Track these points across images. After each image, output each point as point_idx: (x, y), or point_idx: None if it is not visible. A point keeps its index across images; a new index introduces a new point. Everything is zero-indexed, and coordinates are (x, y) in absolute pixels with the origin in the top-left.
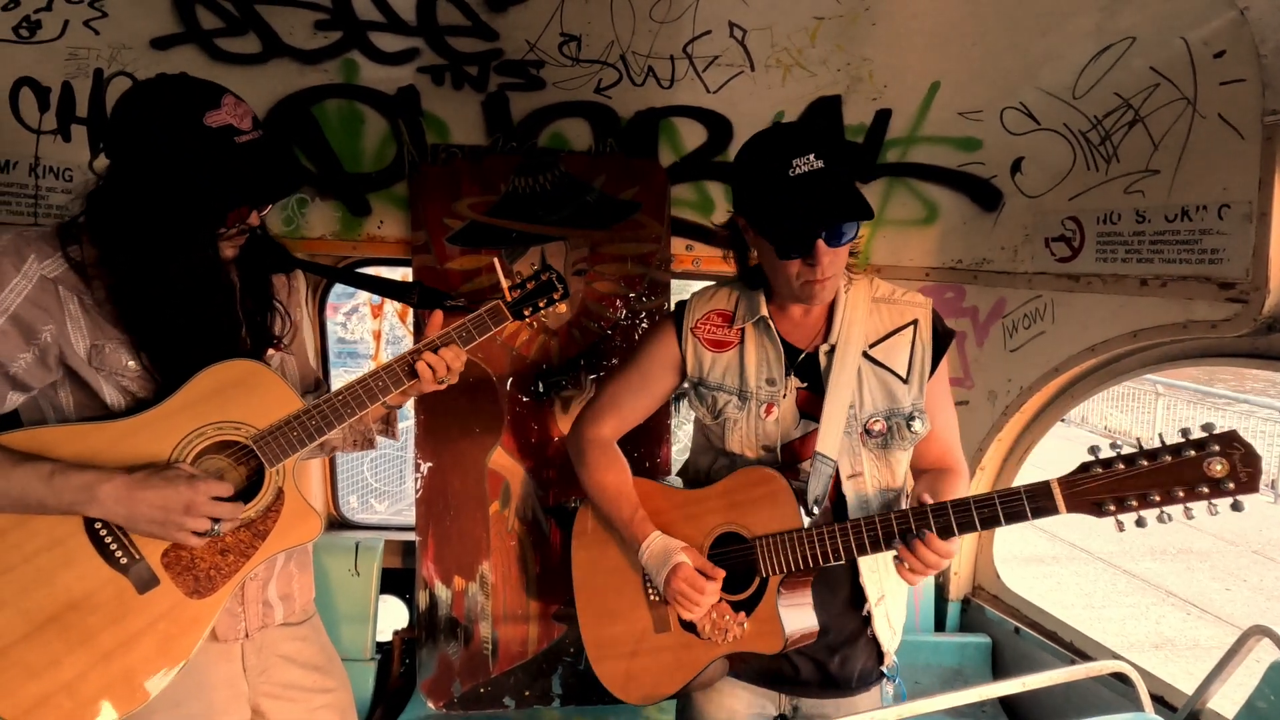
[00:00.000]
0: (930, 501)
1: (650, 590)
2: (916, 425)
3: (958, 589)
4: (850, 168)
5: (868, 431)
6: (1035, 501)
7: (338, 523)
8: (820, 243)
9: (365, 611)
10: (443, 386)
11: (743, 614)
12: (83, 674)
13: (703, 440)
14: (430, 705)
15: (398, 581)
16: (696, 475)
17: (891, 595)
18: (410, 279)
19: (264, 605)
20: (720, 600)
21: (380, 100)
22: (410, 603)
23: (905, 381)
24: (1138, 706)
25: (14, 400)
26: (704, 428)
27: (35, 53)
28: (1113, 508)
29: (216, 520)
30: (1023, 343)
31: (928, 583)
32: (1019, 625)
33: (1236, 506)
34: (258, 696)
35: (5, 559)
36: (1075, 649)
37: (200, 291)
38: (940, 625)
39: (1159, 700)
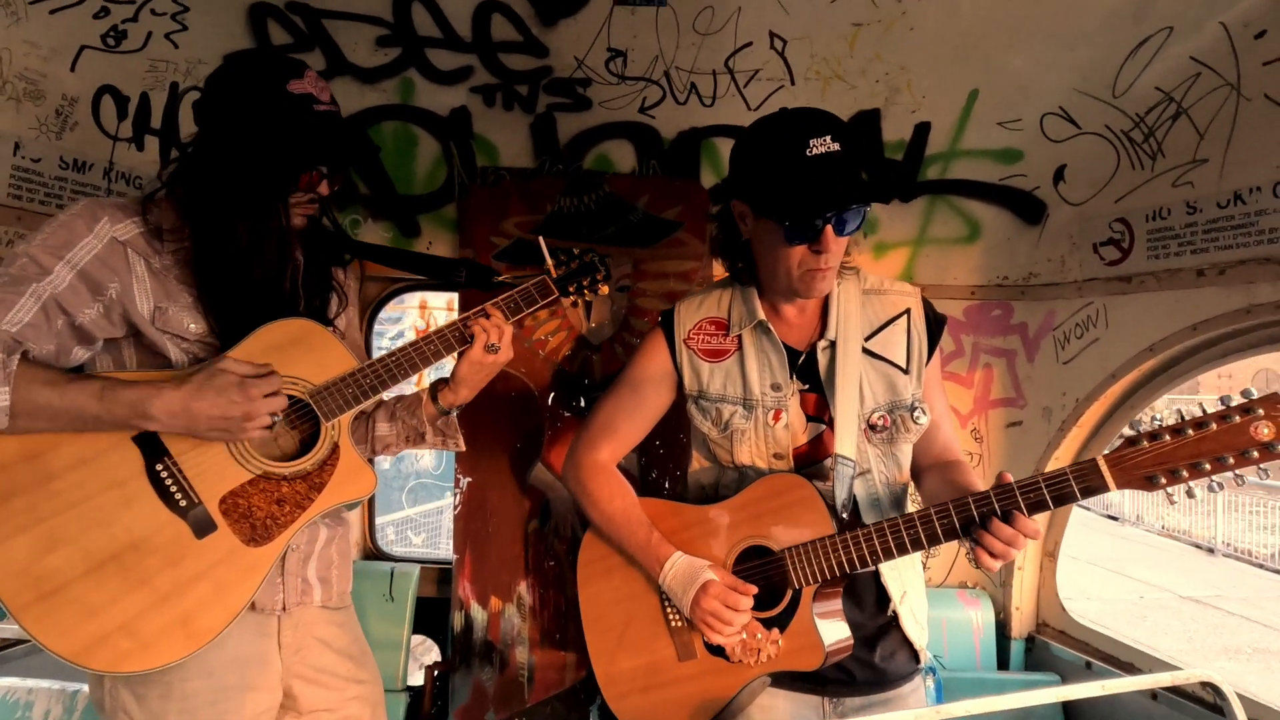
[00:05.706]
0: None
1: (672, 616)
2: (920, 416)
3: (1020, 626)
4: (862, 153)
5: (872, 427)
6: (1083, 480)
7: (373, 554)
8: (829, 229)
9: (398, 640)
10: (492, 357)
11: (775, 631)
12: (141, 614)
13: (705, 456)
14: None
15: (431, 616)
16: (701, 492)
17: (913, 590)
18: (456, 301)
19: (303, 581)
20: (750, 619)
21: (434, 122)
22: (442, 641)
23: (906, 372)
24: None
25: (79, 356)
26: (706, 443)
27: (119, 62)
28: (1164, 480)
29: (275, 415)
30: (1076, 353)
31: (987, 621)
32: (1090, 660)
33: None
34: (291, 678)
35: (67, 497)
36: None
37: (268, 253)
38: (1004, 665)
39: None
